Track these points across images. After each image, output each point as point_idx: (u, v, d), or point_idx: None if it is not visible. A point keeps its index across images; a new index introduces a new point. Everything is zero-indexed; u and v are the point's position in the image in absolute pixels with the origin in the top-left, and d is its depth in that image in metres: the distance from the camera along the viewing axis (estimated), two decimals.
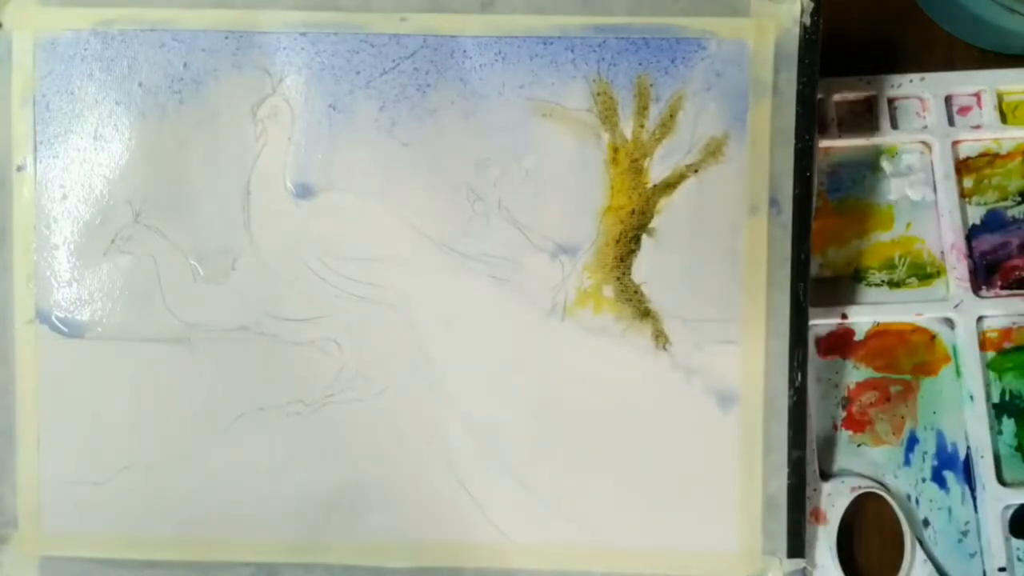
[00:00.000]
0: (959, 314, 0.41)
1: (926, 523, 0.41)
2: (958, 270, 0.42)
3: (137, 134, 0.37)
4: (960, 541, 0.41)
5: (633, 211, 0.37)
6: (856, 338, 0.42)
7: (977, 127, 0.43)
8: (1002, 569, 0.40)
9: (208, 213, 0.38)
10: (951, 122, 0.43)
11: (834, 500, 0.41)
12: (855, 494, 0.41)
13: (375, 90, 0.37)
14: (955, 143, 0.43)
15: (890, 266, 0.43)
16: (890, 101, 0.43)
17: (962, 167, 0.43)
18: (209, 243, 0.38)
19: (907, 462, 0.41)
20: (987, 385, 0.41)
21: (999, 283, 0.42)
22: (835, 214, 0.43)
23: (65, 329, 0.38)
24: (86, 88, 0.37)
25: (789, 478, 0.38)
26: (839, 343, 0.42)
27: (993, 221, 0.43)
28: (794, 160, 0.37)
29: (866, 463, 0.42)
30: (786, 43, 0.37)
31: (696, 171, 0.37)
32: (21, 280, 0.38)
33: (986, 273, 0.43)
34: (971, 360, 0.41)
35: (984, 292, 0.42)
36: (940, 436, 0.42)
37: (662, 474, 0.38)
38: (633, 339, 0.38)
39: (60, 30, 0.37)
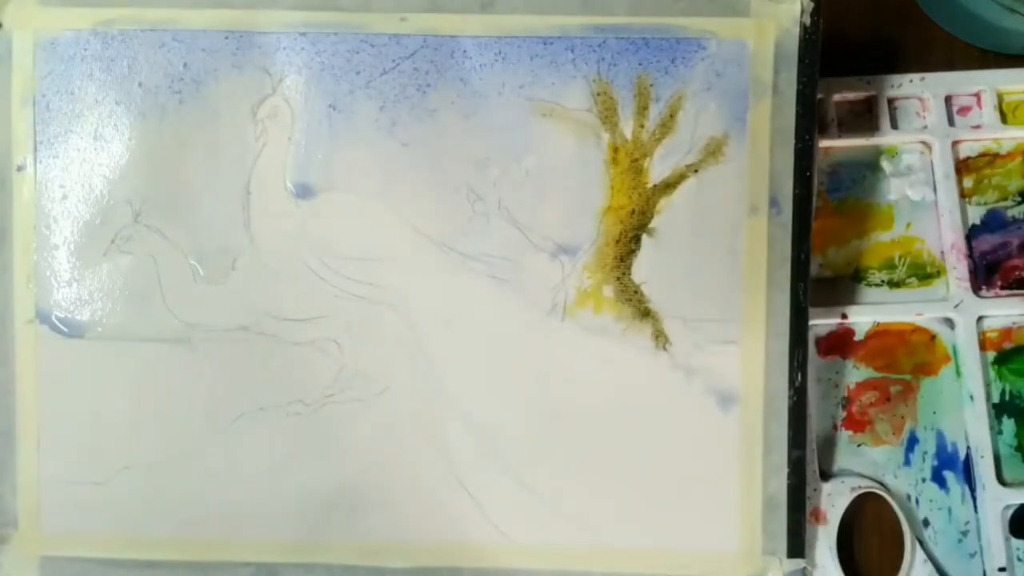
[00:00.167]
0: (959, 314, 0.41)
1: (926, 523, 0.41)
2: (958, 270, 0.42)
3: (137, 134, 0.37)
4: (960, 541, 0.41)
5: (633, 211, 0.37)
6: (856, 338, 0.42)
7: (977, 127, 0.43)
8: (1002, 569, 0.40)
9: (208, 213, 0.38)
10: (951, 122, 0.43)
11: (834, 500, 0.41)
12: (855, 494, 0.41)
13: (375, 90, 0.37)
14: (955, 143, 0.43)
15: (890, 266, 0.43)
16: (890, 101, 0.43)
17: (962, 167, 0.43)
18: (209, 243, 0.38)
19: (907, 462, 0.41)
20: (987, 385, 0.41)
21: (999, 283, 0.42)
22: (835, 214, 0.43)
23: (65, 329, 0.38)
24: (86, 88, 0.37)
25: (789, 478, 0.38)
26: (839, 343, 0.42)
27: (993, 221, 0.43)
28: (794, 160, 0.37)
29: (866, 463, 0.42)
30: (786, 43, 0.37)
31: (696, 171, 0.37)
32: (21, 280, 0.38)
33: (986, 273, 0.42)
34: (971, 360, 0.41)
35: (984, 292, 0.42)
36: (940, 436, 0.41)
37: (662, 474, 0.38)
38: (633, 339, 0.37)
39: (60, 30, 0.37)
